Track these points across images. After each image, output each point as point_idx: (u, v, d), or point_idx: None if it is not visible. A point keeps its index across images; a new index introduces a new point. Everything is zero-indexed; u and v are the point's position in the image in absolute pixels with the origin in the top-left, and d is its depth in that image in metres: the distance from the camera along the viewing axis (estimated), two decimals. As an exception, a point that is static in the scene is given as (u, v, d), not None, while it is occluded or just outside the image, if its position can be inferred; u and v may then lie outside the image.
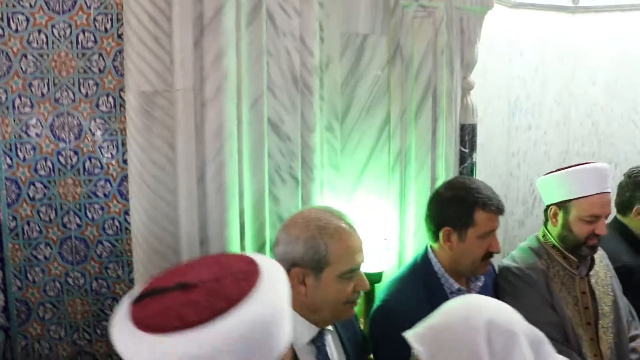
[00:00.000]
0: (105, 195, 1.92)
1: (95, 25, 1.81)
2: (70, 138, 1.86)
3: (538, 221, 2.86)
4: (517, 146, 2.76)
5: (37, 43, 1.79)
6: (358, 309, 1.74)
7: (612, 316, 1.93)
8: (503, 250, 1.91)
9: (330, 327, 1.50)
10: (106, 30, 1.82)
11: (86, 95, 1.85)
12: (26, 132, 1.82)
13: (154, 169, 1.69)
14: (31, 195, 1.85)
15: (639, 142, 3.12)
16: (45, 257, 1.89)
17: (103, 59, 1.84)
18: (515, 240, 2.52)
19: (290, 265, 1.38)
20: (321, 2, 1.86)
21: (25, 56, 1.78)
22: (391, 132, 2.00)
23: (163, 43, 1.65)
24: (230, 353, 0.69)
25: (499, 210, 1.67)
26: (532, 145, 2.80)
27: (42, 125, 1.83)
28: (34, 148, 1.83)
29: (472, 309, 1.00)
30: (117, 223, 1.94)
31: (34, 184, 1.85)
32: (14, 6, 1.75)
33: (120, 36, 1.80)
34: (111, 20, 1.82)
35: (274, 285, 0.77)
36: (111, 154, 1.91)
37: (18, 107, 1.80)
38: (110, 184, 1.92)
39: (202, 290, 0.73)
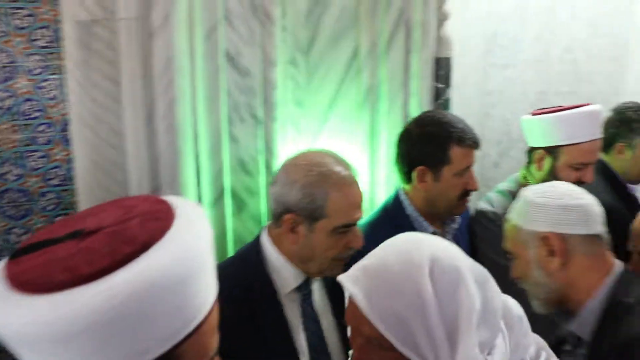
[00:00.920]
0: (47, 141, 1.74)
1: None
2: (2, 78, 1.67)
3: (514, 162, 2.77)
4: (492, 85, 2.64)
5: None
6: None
7: None
8: (478, 193, 1.80)
9: None
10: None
11: (19, 28, 1.64)
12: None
13: (95, 109, 1.53)
14: (-40, 142, 1.68)
15: (619, 80, 3.03)
16: (-19, 212, 1.73)
17: (34, -16, 1.64)
18: (490, 182, 2.42)
19: (283, 209, 1.29)
20: None
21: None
22: (360, 67, 1.84)
23: (100, -38, 1.47)
24: (129, 315, 0.54)
25: (475, 144, 1.56)
26: (508, 83, 2.68)
27: (-33, 63, 1.64)
28: (-41, 90, 1.64)
29: (412, 246, 0.89)
30: (62, 172, 1.77)
31: (-39, 130, 1.68)
32: None
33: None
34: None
35: (193, 228, 0.63)
36: (52, 95, 1.72)
37: None
38: (53, 128, 1.74)
39: (101, 236, 0.58)
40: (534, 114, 1.86)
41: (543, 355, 0.99)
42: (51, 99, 1.73)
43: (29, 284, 0.54)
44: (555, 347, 1.23)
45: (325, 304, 1.41)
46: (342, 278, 0.90)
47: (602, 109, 1.80)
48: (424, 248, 0.87)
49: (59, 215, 1.80)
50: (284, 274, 1.31)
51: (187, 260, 0.59)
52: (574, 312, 1.24)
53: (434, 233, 1.61)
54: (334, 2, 1.80)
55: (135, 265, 0.56)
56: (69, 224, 0.62)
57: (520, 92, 2.74)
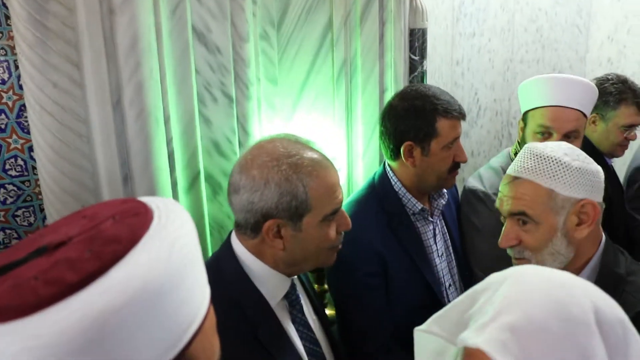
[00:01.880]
0: (1, 129, 1.61)
1: None
2: (-55, 60, 1.52)
3: (483, 131, 2.78)
4: (460, 54, 2.62)
5: None
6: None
7: None
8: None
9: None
10: None
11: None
12: None
13: (56, 94, 1.40)
14: None
15: (582, 48, 3.07)
16: None
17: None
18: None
19: (260, 218, 1.14)
20: None
21: None
22: (334, 39, 1.77)
23: None
24: (137, 313, 0.49)
25: (461, 115, 1.53)
26: (476, 52, 2.66)
27: None
28: None
29: (561, 292, 0.69)
30: (20, 162, 1.64)
31: None
32: None
33: None
34: None
35: (177, 217, 0.58)
36: (2, 78, 1.58)
37: None
38: (7, 115, 1.61)
39: (74, 245, 0.52)
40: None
41: None
42: (2, 82, 1.59)
43: (1, 312, 0.47)
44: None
45: (307, 304, 1.35)
46: (485, 346, 0.66)
47: (579, 80, 1.74)
48: (578, 295, 0.70)
49: (20, 208, 1.68)
50: (272, 283, 1.20)
51: (183, 248, 0.55)
52: None
53: (422, 210, 1.59)
54: (304, -28, 1.72)
55: (130, 263, 0.50)
56: (26, 246, 0.55)
57: (487, 60, 2.73)
